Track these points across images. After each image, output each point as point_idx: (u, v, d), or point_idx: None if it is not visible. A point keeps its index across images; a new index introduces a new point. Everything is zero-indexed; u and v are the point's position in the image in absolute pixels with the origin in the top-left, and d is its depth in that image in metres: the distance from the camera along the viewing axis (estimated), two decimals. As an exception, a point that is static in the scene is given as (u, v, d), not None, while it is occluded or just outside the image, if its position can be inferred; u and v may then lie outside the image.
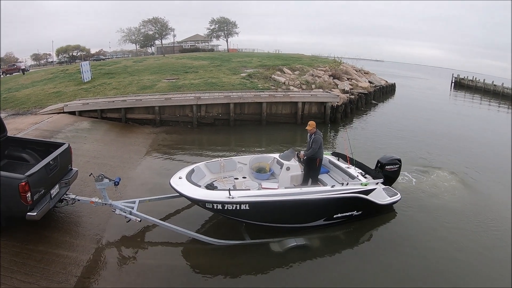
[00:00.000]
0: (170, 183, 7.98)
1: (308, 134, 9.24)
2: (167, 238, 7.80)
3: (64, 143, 8.00)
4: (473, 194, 11.11)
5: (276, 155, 9.78)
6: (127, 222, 7.66)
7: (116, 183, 7.39)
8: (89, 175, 7.54)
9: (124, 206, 7.63)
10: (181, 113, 17.64)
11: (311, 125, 9.16)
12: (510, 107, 37.64)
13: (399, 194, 9.38)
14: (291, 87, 22.81)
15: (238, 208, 7.47)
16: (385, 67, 54.17)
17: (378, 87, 31.35)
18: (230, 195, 7.39)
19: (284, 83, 23.40)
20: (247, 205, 7.51)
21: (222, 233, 8.06)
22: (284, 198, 7.84)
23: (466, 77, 57.51)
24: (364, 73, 34.33)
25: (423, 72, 76.58)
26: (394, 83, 37.01)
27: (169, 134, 16.14)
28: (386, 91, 33.74)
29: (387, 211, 9.41)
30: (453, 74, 60.28)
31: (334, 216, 8.50)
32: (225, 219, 8.39)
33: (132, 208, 7.63)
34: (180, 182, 7.88)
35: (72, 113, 16.20)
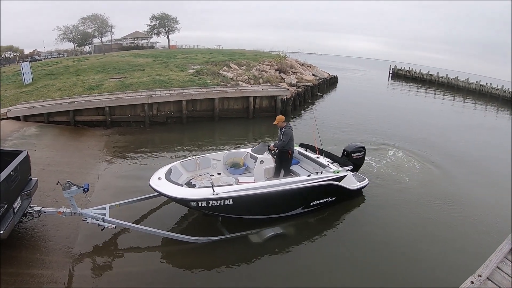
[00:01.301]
0: (150, 184, 7.73)
1: (279, 128, 9.41)
2: (141, 242, 7.51)
3: (22, 151, 7.28)
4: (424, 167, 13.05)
5: (249, 150, 9.92)
6: (101, 230, 7.26)
7: (86, 189, 6.89)
8: (56, 183, 6.88)
9: (96, 213, 7.20)
10: (133, 113, 16.98)
11: (279, 119, 9.35)
12: (445, 94, 41.58)
13: (366, 179, 10.15)
14: (240, 82, 22.80)
15: (222, 203, 7.53)
16: (324, 60, 55.56)
17: (322, 80, 32.13)
18: (214, 191, 7.41)
19: (233, 78, 23.31)
20: (231, 200, 7.58)
21: (199, 230, 8.02)
22: (266, 191, 8.02)
23: (403, 68, 60.68)
24: (307, 66, 34.98)
25: (361, 64, 79.46)
26: (336, 76, 38.14)
27: (121, 135, 15.48)
28: (329, 83, 34.72)
29: (357, 195, 10.10)
30: (390, 65, 63.09)
31: (311, 204, 8.94)
32: (200, 216, 8.51)
33: (104, 215, 7.23)
34: (160, 183, 7.70)
35: (17, 118, 14.97)
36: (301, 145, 11.13)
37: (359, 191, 10.05)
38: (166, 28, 65.22)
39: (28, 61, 28.10)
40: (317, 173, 9.04)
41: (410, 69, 58.88)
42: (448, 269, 7.15)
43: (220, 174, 9.67)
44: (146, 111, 16.98)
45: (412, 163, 13.53)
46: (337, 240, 8.22)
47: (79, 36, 59.83)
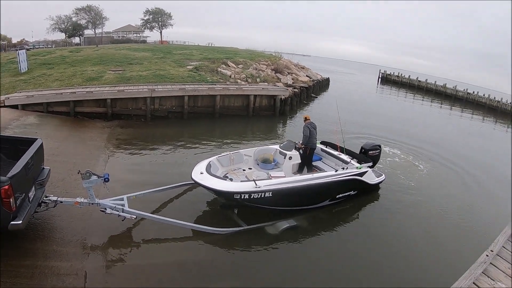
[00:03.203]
0: (193, 178, 8.12)
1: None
2: (157, 234, 7.35)
3: (37, 139, 6.91)
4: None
5: (277, 146, 10.52)
6: (122, 220, 7.06)
7: (106, 179, 6.59)
8: (78, 173, 6.55)
9: (115, 204, 6.92)
10: (134, 106, 16.38)
11: (306, 116, 10.44)
12: (432, 100, 42.37)
13: (383, 175, 10.90)
14: (238, 81, 22.40)
15: (262, 196, 8.08)
16: (313, 61, 55.56)
17: (315, 81, 31.94)
18: (256, 185, 7.93)
19: (231, 76, 22.89)
20: (270, 192, 8.14)
21: (217, 222, 8.00)
22: (301, 184, 8.63)
23: (392, 73, 61.18)
24: (301, 68, 34.74)
25: (350, 67, 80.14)
26: (328, 78, 38.12)
27: (123, 128, 14.93)
28: (322, 85, 34.61)
29: (376, 189, 10.82)
30: (380, 70, 63.42)
31: (337, 197, 9.60)
32: (216, 208, 8.85)
33: (123, 205, 6.99)
34: (203, 177, 8.08)
35: (14, 106, 14.18)
36: (322, 143, 11.49)
37: (377, 186, 10.77)
38: (160, 23, 63.77)
39: (24, 49, 26.92)
40: (343, 168, 9.62)
41: (400, 75, 59.28)
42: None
43: (251, 169, 10.06)
44: (148, 104, 16.39)
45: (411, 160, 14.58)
46: (345, 235, 8.57)
47: (70, 27, 57.93)
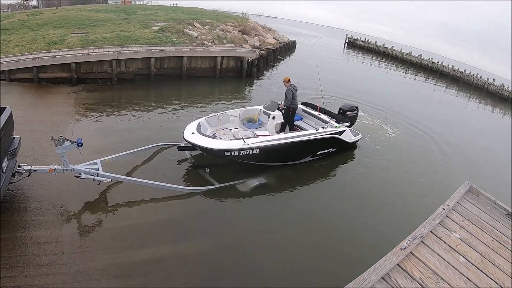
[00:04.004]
0: (185, 138, 8.74)
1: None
2: (131, 196, 7.55)
3: (6, 107, 6.74)
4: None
5: (261, 107, 11.06)
6: (98, 184, 7.18)
7: (80, 144, 6.63)
8: (51, 139, 6.51)
9: (89, 168, 7.01)
10: (100, 70, 16.02)
11: (284, 79, 10.95)
12: (398, 67, 43.60)
13: (360, 134, 11.98)
14: (205, 42, 22.12)
15: (251, 152, 8.89)
16: (280, 24, 54.77)
17: (282, 44, 31.84)
18: (245, 142, 8.74)
19: (197, 37, 22.51)
20: (258, 149, 8.95)
21: (190, 181, 8.52)
22: (286, 141, 9.44)
23: (359, 38, 60.83)
24: (268, 30, 34.39)
25: (317, 31, 79.53)
26: (295, 40, 38.00)
27: (89, 92, 14.63)
28: (289, 48, 34.54)
29: (353, 147, 11.89)
30: (347, 35, 62.80)
31: (318, 153, 10.60)
32: (188, 168, 9.28)
33: (97, 169, 7.08)
34: (195, 137, 8.73)
35: (-27, 75, 13.52)
36: (303, 103, 12.23)
37: (354, 144, 11.79)
38: None
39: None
40: (323, 127, 10.53)
41: (366, 40, 59.16)
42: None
43: (237, 128, 10.72)
44: (114, 67, 16.07)
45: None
46: (308, 191, 9.35)
47: None
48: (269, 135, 9.79)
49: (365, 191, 9.63)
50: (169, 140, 10.17)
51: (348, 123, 11.31)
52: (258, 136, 9.64)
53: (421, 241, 4.59)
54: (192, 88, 17.51)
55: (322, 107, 11.61)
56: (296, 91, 10.67)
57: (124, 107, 13.28)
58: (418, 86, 33.40)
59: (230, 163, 9.26)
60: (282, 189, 9.06)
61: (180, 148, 9.45)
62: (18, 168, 6.61)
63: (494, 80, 39.75)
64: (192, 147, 9.27)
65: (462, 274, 4.19)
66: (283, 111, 10.65)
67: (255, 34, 28.39)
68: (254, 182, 8.72)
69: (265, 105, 10.96)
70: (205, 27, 25.55)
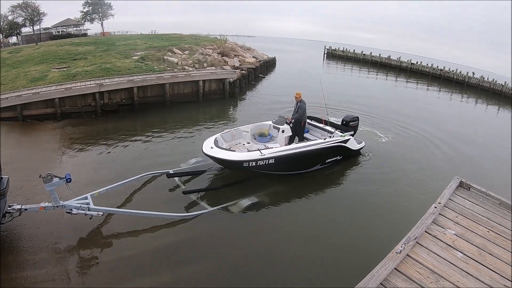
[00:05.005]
0: (205, 152, 9.38)
1: (295, 102, 11.42)
2: (125, 227, 7.50)
3: None
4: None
5: (270, 122, 11.64)
6: (90, 219, 7.10)
7: (68, 179, 6.61)
8: (39, 177, 6.50)
9: (80, 203, 6.99)
10: (83, 103, 16.02)
11: (298, 95, 11.33)
12: (378, 71, 44.57)
13: (363, 142, 12.60)
14: (186, 67, 22.36)
15: (267, 162, 9.57)
16: (258, 42, 55.29)
17: (262, 62, 32.21)
18: (261, 153, 9.44)
19: (178, 63, 22.79)
20: (273, 159, 9.63)
21: (182, 208, 8.47)
22: (297, 151, 10.19)
23: (337, 48, 61.59)
24: (247, 49, 34.82)
25: (296, 45, 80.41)
26: (275, 57, 38.44)
27: (75, 126, 14.57)
28: (269, 65, 34.91)
29: (358, 154, 12.57)
30: (325, 46, 63.27)
31: (326, 161, 11.29)
32: (179, 195, 8.96)
33: (88, 204, 7.06)
34: (214, 151, 9.35)
35: (-44, 116, 13.42)
36: (308, 117, 12.47)
37: (359, 151, 12.48)
38: (100, 14, 60.24)
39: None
40: (330, 137, 11.31)
41: (344, 49, 59.88)
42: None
43: (249, 143, 11.28)
44: (97, 100, 16.09)
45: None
46: (300, 208, 9.25)
47: (6, 26, 53.67)
48: (281, 147, 10.46)
49: (358, 202, 9.68)
50: (158, 168, 10.12)
51: (352, 132, 12.20)
52: (269, 148, 10.20)
53: (417, 242, 4.61)
54: (177, 114, 17.52)
55: (327, 119, 12.47)
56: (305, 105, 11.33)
57: (111, 139, 13.20)
58: (400, 88, 34.18)
59: (222, 186, 9.56)
60: (274, 205, 9.15)
61: (170, 176, 9.54)
62: (8, 208, 6.57)
63: (473, 73, 40.82)
64: (182, 173, 9.77)
65: (461, 269, 4.21)
66: (291, 124, 11.24)
67: (235, 55, 28.74)
68: (246, 202, 8.75)
69: (274, 120, 11.58)
70: (185, 52, 25.83)
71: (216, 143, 9.85)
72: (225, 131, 11.16)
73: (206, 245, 7.29)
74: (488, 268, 4.28)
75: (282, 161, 9.84)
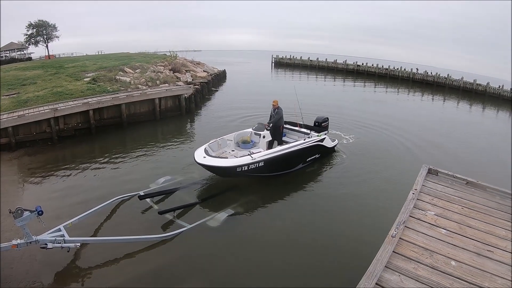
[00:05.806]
0: (198, 162, 10.06)
1: (272, 109, 12.40)
2: (105, 256, 7.29)
3: None
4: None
5: (251, 129, 12.59)
6: (67, 251, 6.92)
7: (40, 212, 6.27)
8: (9, 212, 6.06)
9: (54, 236, 6.75)
10: (38, 130, 15.46)
11: (275, 102, 12.34)
12: (326, 76, 46.49)
13: (336, 140, 14.34)
14: (139, 86, 22.21)
15: (257, 166, 10.43)
16: (206, 56, 55.47)
17: (213, 75, 32.57)
18: (252, 158, 10.26)
19: (130, 82, 22.55)
20: (263, 162, 10.53)
21: (159, 228, 8.44)
22: (283, 152, 11.17)
23: (284, 56, 63.00)
24: (197, 64, 35.05)
25: (243, 56, 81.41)
26: (225, 70, 38.92)
27: (32, 155, 14.03)
28: (220, 78, 35.36)
29: (333, 151, 14.03)
30: (272, 55, 64.50)
31: (307, 160, 12.42)
32: (155, 215, 8.87)
33: (63, 235, 6.83)
34: (207, 160, 10.08)
35: None
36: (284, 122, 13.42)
37: (334, 148, 13.89)
38: (45, 36, 57.29)
39: None
40: (308, 137, 12.48)
41: (291, 57, 61.57)
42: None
43: (233, 150, 12.09)
44: (53, 126, 15.61)
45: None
46: (275, 215, 9.72)
47: None
48: (265, 151, 11.29)
49: (334, 200, 10.57)
50: (126, 191, 9.96)
51: (327, 131, 13.64)
52: (254, 153, 10.73)
53: (405, 226, 5.08)
54: (136, 134, 17.35)
55: (301, 123, 13.59)
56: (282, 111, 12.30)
57: (71, 166, 12.85)
58: (349, 90, 36.13)
59: (196, 202, 9.72)
60: (250, 214, 9.52)
61: (141, 197, 9.43)
62: None
63: (417, 69, 43.62)
64: (154, 194, 9.86)
65: (448, 243, 4.73)
66: (269, 129, 12.15)
67: (186, 70, 28.95)
68: (223, 215, 8.94)
69: (254, 127, 12.54)
70: (136, 70, 25.63)
71: (207, 152, 10.61)
72: (211, 141, 11.78)
73: (192, 263, 7.28)
74: (470, 238, 4.89)
75: (270, 163, 10.74)
